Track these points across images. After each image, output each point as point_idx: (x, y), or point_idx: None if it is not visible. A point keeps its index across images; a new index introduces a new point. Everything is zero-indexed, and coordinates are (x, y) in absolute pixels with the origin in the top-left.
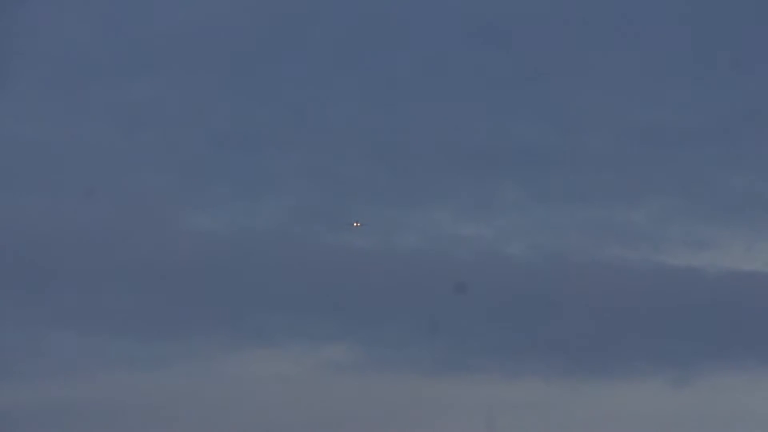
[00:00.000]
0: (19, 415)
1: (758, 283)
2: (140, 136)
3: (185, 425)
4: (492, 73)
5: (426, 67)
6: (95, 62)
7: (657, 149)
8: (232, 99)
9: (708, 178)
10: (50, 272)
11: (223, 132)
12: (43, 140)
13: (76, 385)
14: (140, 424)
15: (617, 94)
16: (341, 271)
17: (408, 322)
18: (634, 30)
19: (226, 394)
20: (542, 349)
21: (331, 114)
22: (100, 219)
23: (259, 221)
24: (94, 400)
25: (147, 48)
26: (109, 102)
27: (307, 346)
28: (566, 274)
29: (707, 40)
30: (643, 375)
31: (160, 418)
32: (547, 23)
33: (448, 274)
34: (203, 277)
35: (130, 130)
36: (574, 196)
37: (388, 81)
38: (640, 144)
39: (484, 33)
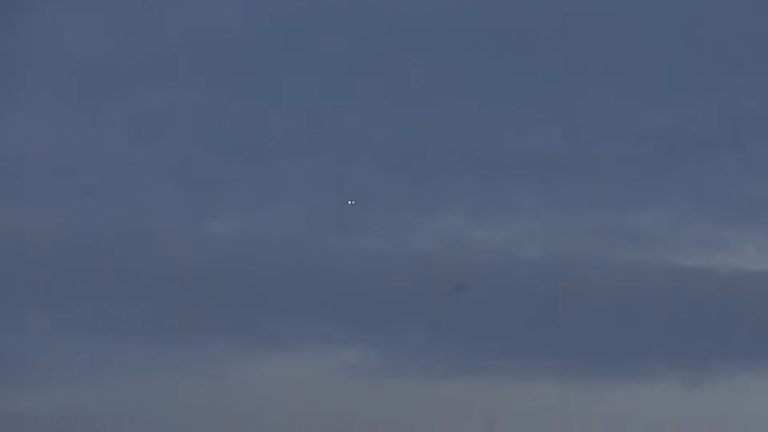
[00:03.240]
0: (29, 423)
1: None
2: (152, 144)
3: None
4: (506, 78)
5: (439, 72)
6: (107, 72)
7: (670, 153)
8: (244, 106)
9: (720, 181)
10: (61, 279)
11: (234, 139)
12: (55, 148)
13: (88, 393)
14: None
15: (630, 99)
16: (355, 276)
17: (422, 325)
18: (646, 36)
19: (239, 399)
20: (556, 351)
21: (344, 119)
22: (111, 226)
23: (272, 227)
24: (105, 408)
25: (159, 57)
26: (120, 111)
27: (321, 350)
28: (580, 276)
29: (719, 46)
30: (657, 376)
31: (174, 425)
32: (562, 30)
33: (461, 278)
34: (216, 284)
35: (141, 138)
36: (587, 199)
37: (401, 86)
38: (652, 149)
39: (498, 38)
